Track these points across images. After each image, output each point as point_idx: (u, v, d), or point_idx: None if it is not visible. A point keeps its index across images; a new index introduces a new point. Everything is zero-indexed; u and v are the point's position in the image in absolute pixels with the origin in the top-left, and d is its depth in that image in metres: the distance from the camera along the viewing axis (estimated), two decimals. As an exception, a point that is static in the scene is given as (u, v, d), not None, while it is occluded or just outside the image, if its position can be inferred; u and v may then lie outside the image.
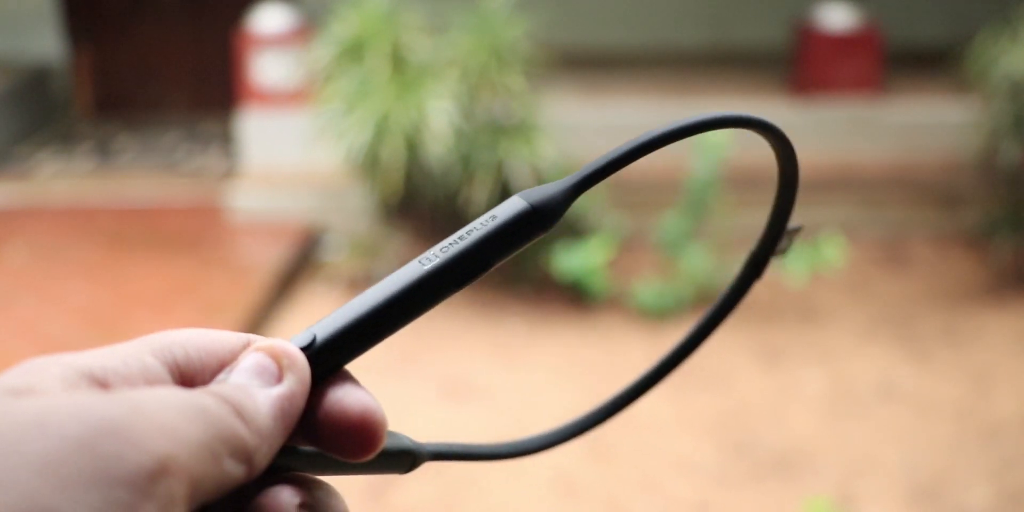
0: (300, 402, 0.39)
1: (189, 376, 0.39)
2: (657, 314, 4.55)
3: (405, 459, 0.43)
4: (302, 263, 5.18)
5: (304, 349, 0.39)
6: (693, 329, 0.49)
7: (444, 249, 0.40)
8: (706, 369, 4.16)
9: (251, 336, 0.41)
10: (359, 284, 4.98)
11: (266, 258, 5.09)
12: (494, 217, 0.40)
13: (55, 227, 5.52)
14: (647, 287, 4.63)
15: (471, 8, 5.00)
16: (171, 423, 0.34)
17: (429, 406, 3.87)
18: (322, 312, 4.76)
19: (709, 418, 3.86)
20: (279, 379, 0.38)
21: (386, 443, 0.40)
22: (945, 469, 3.49)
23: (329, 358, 0.40)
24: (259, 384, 0.38)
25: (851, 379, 4.10)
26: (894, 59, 6.17)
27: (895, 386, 4.03)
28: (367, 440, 0.39)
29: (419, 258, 0.40)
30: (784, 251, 0.48)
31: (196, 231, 5.46)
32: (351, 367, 0.41)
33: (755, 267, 0.48)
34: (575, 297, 4.70)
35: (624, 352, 4.34)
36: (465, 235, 0.40)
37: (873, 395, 3.98)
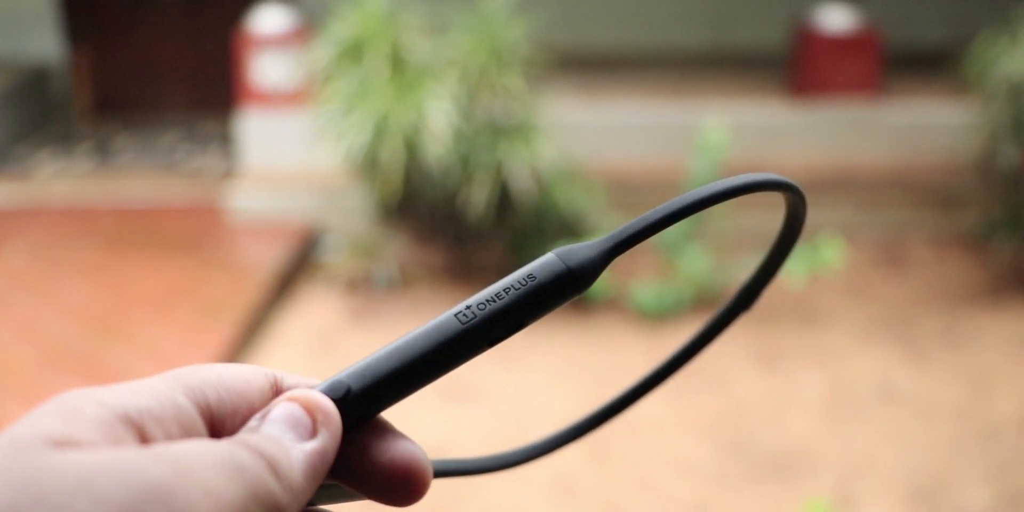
0: (331, 458, 0.39)
1: (220, 419, 0.39)
2: (656, 315, 4.56)
3: None
4: (301, 263, 5.18)
5: (338, 400, 0.39)
6: (677, 350, 0.49)
7: (481, 307, 0.40)
8: (705, 370, 4.16)
9: (277, 373, 0.41)
10: (358, 285, 4.98)
11: (265, 258, 5.09)
12: (532, 277, 0.40)
13: (54, 227, 5.52)
14: (646, 288, 4.63)
15: (471, 9, 5.00)
16: (213, 485, 0.34)
17: (428, 408, 3.87)
18: (321, 312, 4.76)
19: (708, 419, 3.86)
20: (312, 433, 0.38)
21: None
22: (944, 470, 3.49)
23: (361, 409, 0.40)
24: (293, 438, 0.38)
25: (850, 380, 4.10)
26: (893, 61, 6.17)
27: (894, 387, 4.03)
28: (415, 488, 0.41)
29: (455, 312, 0.40)
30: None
31: (195, 231, 5.46)
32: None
33: (745, 300, 0.49)
34: (574, 298, 4.70)
35: (623, 353, 4.34)
36: (503, 294, 0.40)
37: (872, 396, 3.98)
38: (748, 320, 4.58)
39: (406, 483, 0.40)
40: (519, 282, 0.40)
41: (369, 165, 4.76)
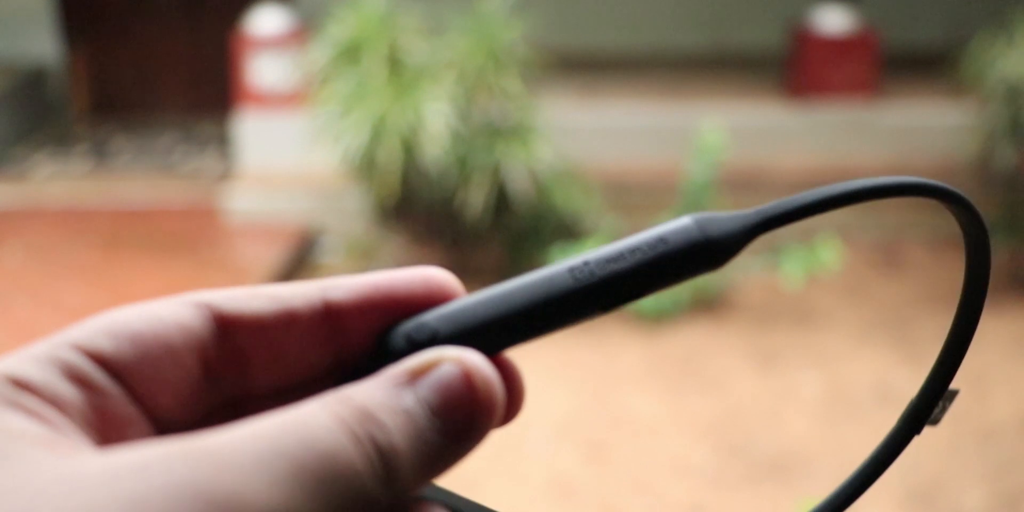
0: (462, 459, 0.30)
1: (132, 370, 0.30)
2: (654, 317, 4.56)
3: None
4: (298, 265, 5.18)
5: (421, 344, 0.32)
6: (842, 487, 0.41)
7: (601, 266, 0.34)
8: (701, 372, 4.16)
9: (232, 295, 0.31)
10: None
11: (262, 260, 5.09)
12: (664, 241, 0.34)
13: (51, 228, 5.51)
14: (643, 290, 4.63)
15: (468, 10, 5.00)
16: (272, 493, 0.25)
17: (425, 408, 3.86)
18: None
19: (705, 421, 3.86)
20: (464, 424, 0.29)
21: None
22: (941, 472, 3.49)
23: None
24: (437, 425, 0.29)
25: (847, 382, 4.10)
26: (890, 62, 6.18)
27: (891, 389, 4.03)
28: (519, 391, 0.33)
29: (570, 266, 0.34)
30: (937, 420, 0.41)
31: (193, 233, 5.46)
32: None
33: (915, 421, 0.41)
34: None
35: (621, 355, 4.34)
36: (627, 256, 0.34)
37: (869, 398, 3.98)
38: (744, 321, 4.59)
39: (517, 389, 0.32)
40: (648, 245, 0.34)
41: (367, 166, 4.76)
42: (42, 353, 0.29)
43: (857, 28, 6.03)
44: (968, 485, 3.43)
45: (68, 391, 0.28)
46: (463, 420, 0.29)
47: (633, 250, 0.34)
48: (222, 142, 6.46)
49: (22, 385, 0.28)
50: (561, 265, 0.34)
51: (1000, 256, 4.94)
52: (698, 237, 0.35)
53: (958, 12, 6.67)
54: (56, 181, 6.08)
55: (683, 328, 4.51)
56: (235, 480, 0.25)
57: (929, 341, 4.41)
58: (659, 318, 4.55)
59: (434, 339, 0.32)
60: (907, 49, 6.54)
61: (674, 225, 0.35)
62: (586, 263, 0.34)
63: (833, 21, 6.02)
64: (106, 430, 0.29)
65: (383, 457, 0.27)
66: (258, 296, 0.31)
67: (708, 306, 4.66)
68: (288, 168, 5.67)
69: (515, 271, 4.92)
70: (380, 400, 0.28)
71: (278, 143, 5.70)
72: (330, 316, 0.32)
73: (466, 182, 4.74)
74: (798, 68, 6.12)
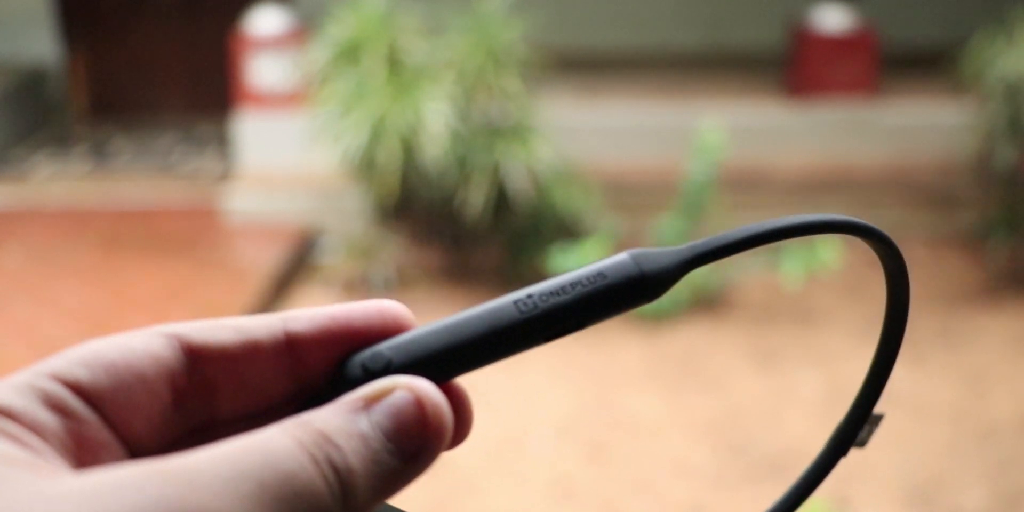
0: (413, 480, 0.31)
1: (106, 399, 0.31)
2: (653, 317, 4.55)
3: None
4: (298, 265, 5.18)
5: (376, 373, 0.34)
6: (773, 507, 0.44)
7: (544, 298, 0.36)
8: (702, 371, 4.16)
9: (196, 328, 0.33)
10: (355, 286, 4.97)
11: (262, 260, 5.08)
12: (602, 276, 0.37)
13: (51, 229, 5.51)
14: (643, 289, 4.63)
15: (467, 10, 5.00)
16: (234, 507, 0.27)
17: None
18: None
19: (705, 420, 3.86)
20: (416, 448, 0.30)
21: None
22: (941, 471, 3.49)
23: None
24: (389, 448, 0.30)
25: (847, 381, 4.10)
26: (890, 61, 6.18)
27: (891, 388, 4.01)
28: (467, 416, 0.34)
29: (514, 298, 0.36)
30: (864, 442, 0.44)
31: (192, 233, 5.46)
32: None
33: (842, 444, 0.44)
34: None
35: (621, 355, 4.34)
36: (568, 289, 0.37)
37: (869, 397, 3.98)
38: (745, 320, 4.59)
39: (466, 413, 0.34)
40: (588, 279, 0.37)
41: (366, 166, 4.76)
42: (22, 382, 0.30)
43: (856, 27, 6.03)
44: (968, 484, 3.43)
45: (47, 418, 0.30)
46: (415, 443, 0.30)
47: (574, 284, 0.37)
48: (222, 142, 6.46)
49: (4, 412, 0.29)
50: (506, 298, 0.36)
51: (1000, 255, 4.94)
52: (634, 272, 0.37)
53: (957, 11, 6.67)
54: (55, 182, 6.08)
55: (683, 328, 4.51)
56: (204, 498, 0.26)
57: (929, 341, 4.41)
58: (659, 318, 4.55)
59: (388, 368, 0.34)
60: (906, 48, 6.54)
61: (612, 261, 0.37)
62: (530, 296, 0.36)
63: (832, 20, 6.02)
64: (82, 454, 0.30)
65: (340, 478, 0.29)
66: (224, 327, 0.33)
67: (708, 306, 4.66)
68: (288, 168, 5.67)
69: (515, 271, 4.91)
70: (337, 424, 0.30)
71: (278, 143, 5.70)
72: (291, 346, 0.34)
73: (466, 182, 4.73)
74: (798, 67, 6.12)
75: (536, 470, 3.50)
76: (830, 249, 4.46)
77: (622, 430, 3.76)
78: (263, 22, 5.83)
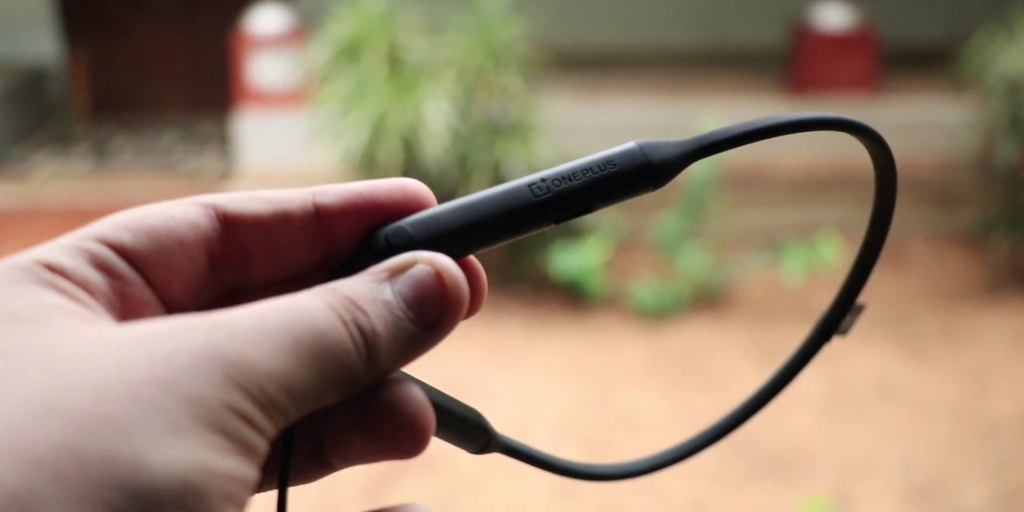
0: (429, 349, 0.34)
1: (150, 263, 0.33)
2: (655, 314, 4.55)
3: (481, 437, 0.42)
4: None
5: (398, 247, 0.35)
6: (756, 393, 0.48)
7: (556, 183, 0.38)
8: (702, 369, 4.16)
9: (231, 198, 0.35)
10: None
11: (263, 259, 5.08)
12: (611, 164, 0.39)
13: (51, 228, 5.51)
14: (644, 287, 4.63)
15: (468, 8, 5.00)
16: (276, 358, 0.29)
17: (426, 407, 3.86)
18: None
19: (706, 418, 3.86)
20: (436, 316, 0.33)
21: (470, 415, 0.40)
22: (942, 469, 3.49)
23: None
24: (411, 316, 0.33)
25: (848, 379, 4.10)
26: (890, 58, 6.18)
27: (892, 386, 4.03)
28: (421, 435, 0.34)
29: (528, 182, 0.38)
30: (846, 331, 0.47)
31: (193, 232, 5.46)
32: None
33: (826, 330, 0.47)
34: (572, 297, 4.70)
35: (622, 352, 4.34)
36: (579, 175, 0.38)
37: (870, 395, 3.98)
38: (746, 319, 4.58)
39: (413, 427, 0.34)
40: (597, 166, 0.39)
41: (367, 165, 4.76)
42: (70, 244, 0.33)
43: (857, 24, 6.03)
44: (969, 482, 3.43)
45: (94, 276, 0.32)
46: (434, 312, 0.33)
47: (584, 170, 0.38)
48: (222, 141, 6.46)
49: (55, 269, 0.31)
50: (520, 181, 0.38)
51: (1001, 252, 4.94)
52: (642, 161, 0.39)
53: (958, 8, 6.66)
54: (56, 181, 6.09)
55: (684, 325, 4.51)
56: (244, 346, 0.29)
57: (931, 337, 4.41)
58: (660, 315, 4.55)
59: (410, 243, 0.36)
60: (907, 45, 6.54)
61: (620, 149, 0.39)
62: (543, 180, 0.38)
63: (833, 17, 6.02)
64: (126, 312, 0.33)
65: (366, 339, 0.31)
66: (257, 199, 0.36)
67: (709, 303, 4.66)
68: (288, 167, 5.67)
69: (516, 269, 4.91)
70: (363, 292, 0.32)
71: (278, 142, 5.70)
72: (319, 218, 0.36)
73: (466, 180, 4.73)
74: (798, 65, 6.12)
75: (536, 469, 3.50)
76: (831, 247, 4.46)
77: (623, 428, 3.76)
78: (263, 21, 5.83)
